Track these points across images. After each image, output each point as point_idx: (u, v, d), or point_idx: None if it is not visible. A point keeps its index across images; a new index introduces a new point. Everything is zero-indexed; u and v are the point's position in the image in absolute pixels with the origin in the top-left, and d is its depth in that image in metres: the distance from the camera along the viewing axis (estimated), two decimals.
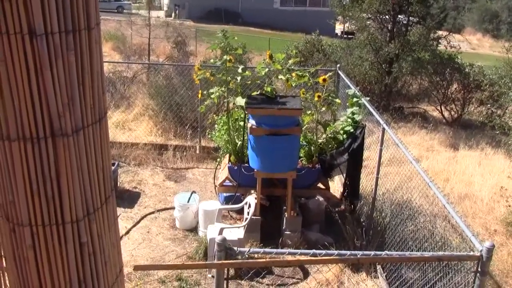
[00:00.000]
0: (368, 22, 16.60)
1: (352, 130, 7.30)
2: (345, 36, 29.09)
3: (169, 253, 6.69)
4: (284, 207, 6.88)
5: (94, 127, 2.30)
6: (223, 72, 7.14)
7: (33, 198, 2.19)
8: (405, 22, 16.43)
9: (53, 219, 2.25)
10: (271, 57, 7.18)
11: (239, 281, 6.04)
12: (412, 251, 5.51)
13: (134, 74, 14.66)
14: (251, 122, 6.55)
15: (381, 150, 6.49)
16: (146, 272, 6.10)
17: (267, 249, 3.85)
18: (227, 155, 7.51)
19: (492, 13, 50.90)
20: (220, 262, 3.26)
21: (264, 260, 3.73)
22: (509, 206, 7.98)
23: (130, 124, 11.39)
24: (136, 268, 3.26)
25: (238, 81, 7.10)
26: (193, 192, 7.50)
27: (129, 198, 8.17)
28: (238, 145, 7.29)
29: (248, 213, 6.64)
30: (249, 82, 7.93)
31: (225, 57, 7.03)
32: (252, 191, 6.95)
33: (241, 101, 6.66)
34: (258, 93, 6.97)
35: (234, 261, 3.40)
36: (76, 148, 2.21)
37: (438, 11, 17.33)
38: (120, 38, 24.07)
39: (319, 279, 6.10)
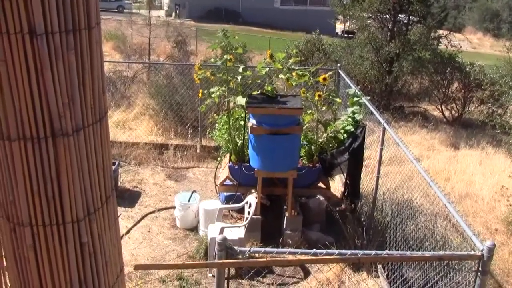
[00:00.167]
0: (368, 22, 16.60)
1: (352, 130, 7.30)
2: (345, 35, 29.09)
3: (169, 252, 6.69)
4: (285, 207, 6.87)
5: (94, 126, 2.30)
6: (223, 71, 7.14)
7: (34, 198, 2.19)
8: (405, 21, 16.43)
9: (53, 219, 2.25)
10: (271, 56, 7.17)
11: (240, 281, 6.04)
12: (413, 250, 5.50)
13: (135, 74, 14.66)
14: (252, 121, 6.54)
15: (381, 150, 6.48)
16: (147, 272, 6.10)
17: (268, 249, 3.85)
18: (228, 155, 7.50)
19: (492, 12, 50.88)
20: (220, 261, 3.26)
21: (264, 259, 3.73)
22: (510, 205, 7.98)
23: (130, 124, 11.40)
24: (137, 267, 3.26)
25: (239, 80, 7.10)
26: (194, 191, 7.50)
27: (130, 198, 8.17)
28: (238, 144, 7.29)
29: (248, 212, 6.63)
30: (250, 81, 7.92)
31: (225, 56, 7.02)
32: (253, 191, 6.95)
33: (241, 100, 6.65)
34: (258, 92, 6.96)
35: (235, 260, 3.39)
36: (77, 148, 2.21)
37: (439, 10, 17.33)
38: (120, 37, 24.07)
39: (319, 279, 6.10)
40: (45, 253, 2.29)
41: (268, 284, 6.08)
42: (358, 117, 7.38)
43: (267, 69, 7.33)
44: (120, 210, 7.57)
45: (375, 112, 6.88)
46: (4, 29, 1.98)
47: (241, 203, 6.90)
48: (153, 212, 7.74)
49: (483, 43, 44.93)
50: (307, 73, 7.11)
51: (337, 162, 7.23)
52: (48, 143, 2.14)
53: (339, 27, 38.41)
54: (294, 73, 7.09)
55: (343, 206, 7.74)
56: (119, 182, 8.41)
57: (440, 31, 17.17)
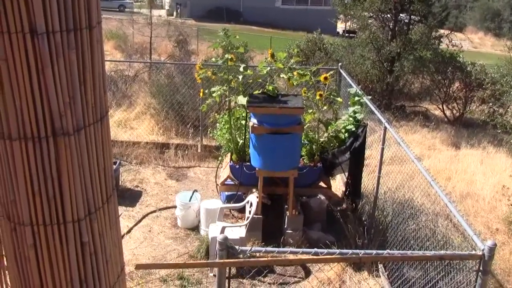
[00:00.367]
0: (369, 21, 16.59)
1: (353, 129, 7.30)
2: (346, 34, 29.03)
3: (170, 252, 6.69)
4: (286, 206, 6.87)
5: (95, 126, 2.30)
6: (224, 71, 7.14)
7: (34, 198, 2.19)
8: (406, 20, 16.41)
9: (54, 218, 2.25)
10: (272, 56, 7.17)
11: (241, 280, 6.04)
12: (414, 250, 5.50)
13: (136, 73, 14.66)
14: (253, 121, 6.55)
15: (382, 149, 6.48)
16: (148, 271, 6.10)
17: (269, 248, 3.85)
18: (229, 154, 7.50)
19: (494, 12, 50.83)
20: (221, 261, 3.26)
21: (265, 259, 3.73)
22: (511, 205, 7.97)
23: (131, 123, 11.40)
24: (138, 267, 3.26)
25: (240, 79, 7.10)
26: (195, 191, 7.50)
27: (131, 197, 8.17)
28: (239, 143, 7.29)
29: (249, 212, 6.63)
30: (251, 81, 7.91)
31: (226, 56, 7.02)
32: (254, 190, 6.95)
33: (242, 99, 6.65)
34: (259, 91, 6.96)
35: (236, 260, 3.39)
36: (78, 147, 2.21)
37: (440, 10, 17.33)
38: (121, 37, 24.07)
39: (320, 278, 6.10)
40: (45, 253, 2.29)
41: (269, 283, 6.08)
42: (359, 116, 7.38)
43: (268, 68, 7.33)
44: (121, 209, 7.57)
45: (376, 112, 6.87)
46: (5, 28, 1.98)
47: (242, 202, 6.90)
48: (154, 211, 7.74)
49: (484, 42, 44.88)
50: (308, 73, 7.11)
51: (338, 161, 7.23)
52: (49, 143, 2.14)
53: (340, 27, 38.33)
54: (295, 73, 7.09)
55: (344, 205, 7.74)
56: (120, 182, 8.41)
57: (441, 31, 17.16)
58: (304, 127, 7.08)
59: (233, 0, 43.22)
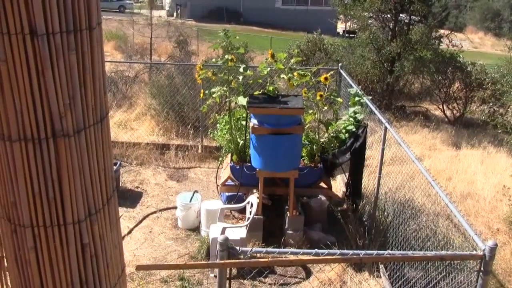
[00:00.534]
0: (369, 21, 16.58)
1: (354, 129, 7.30)
2: (346, 35, 29.07)
3: (171, 252, 6.68)
4: (286, 206, 6.87)
5: (95, 127, 2.30)
6: (225, 71, 7.13)
7: (35, 199, 2.19)
8: (406, 21, 16.40)
9: (54, 220, 2.25)
10: (273, 56, 7.17)
11: (242, 281, 6.04)
12: (414, 250, 5.50)
13: (136, 74, 14.66)
14: (253, 121, 6.54)
15: (383, 149, 6.48)
16: (149, 272, 6.10)
17: (270, 249, 3.85)
18: (229, 155, 7.50)
19: (494, 12, 50.81)
20: (222, 261, 3.25)
21: (266, 259, 3.73)
22: None
23: (132, 124, 11.40)
24: (139, 268, 3.26)
25: (240, 80, 7.10)
26: (195, 191, 7.50)
27: (131, 198, 8.17)
28: (240, 144, 7.29)
29: (250, 212, 6.63)
30: (251, 81, 7.91)
31: (226, 56, 7.02)
32: (254, 190, 6.95)
33: (243, 100, 6.65)
34: (260, 92, 6.96)
35: (237, 260, 3.39)
36: (78, 148, 2.21)
37: (440, 10, 17.31)
38: (122, 37, 24.09)
39: (321, 279, 6.10)
40: (46, 254, 2.29)
41: (270, 284, 6.08)
42: (359, 116, 7.37)
43: (269, 69, 7.32)
44: (122, 210, 7.57)
45: (376, 112, 6.87)
46: (5, 30, 1.98)
47: (243, 203, 6.90)
48: (155, 212, 7.74)
49: (484, 42, 44.87)
50: (309, 73, 7.11)
51: (339, 162, 7.23)
52: (49, 144, 2.14)
53: (340, 27, 38.39)
54: (295, 73, 7.09)
55: (344, 206, 7.74)
56: (120, 183, 8.41)
57: (441, 31, 17.15)
58: (305, 127, 7.08)
59: (233, 1, 43.24)
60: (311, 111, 7.38)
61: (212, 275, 6.11)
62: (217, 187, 8.08)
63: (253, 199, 6.71)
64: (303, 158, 7.25)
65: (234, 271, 6.10)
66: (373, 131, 8.31)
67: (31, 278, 2.33)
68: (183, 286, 5.91)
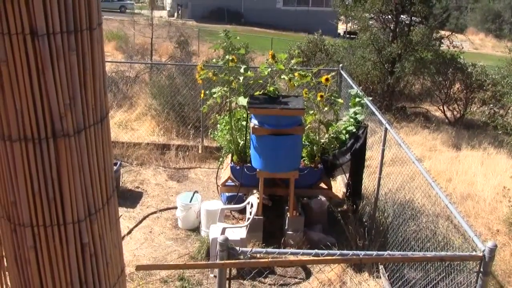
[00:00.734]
0: (370, 22, 16.59)
1: (354, 130, 7.30)
2: (347, 36, 29.06)
3: (171, 253, 6.69)
4: (286, 207, 6.87)
5: (95, 127, 2.30)
6: (225, 72, 7.14)
7: (35, 199, 2.20)
8: (407, 22, 16.41)
9: (54, 219, 2.25)
10: (273, 57, 7.17)
11: (241, 281, 6.04)
12: (414, 251, 5.50)
13: (137, 74, 14.66)
14: (254, 122, 6.55)
15: (383, 150, 6.48)
16: (148, 272, 6.11)
17: (269, 249, 3.85)
18: (230, 155, 7.50)
19: (494, 13, 50.81)
20: (222, 262, 3.25)
21: (266, 260, 3.72)
22: None
23: (132, 124, 11.40)
24: (138, 268, 3.26)
25: (241, 81, 7.10)
26: (196, 192, 7.50)
27: (132, 198, 8.18)
28: (240, 145, 7.29)
29: (250, 213, 6.63)
30: (252, 82, 7.92)
31: (227, 57, 7.03)
32: (255, 191, 6.95)
33: (243, 101, 6.65)
34: (260, 93, 6.96)
35: (236, 261, 3.39)
36: (78, 148, 2.21)
37: (441, 11, 17.30)
38: (122, 37, 24.09)
39: (321, 279, 6.10)
40: (46, 254, 2.29)
41: (269, 284, 6.08)
42: (360, 117, 7.37)
43: (269, 69, 7.33)
44: (122, 210, 7.57)
45: (377, 113, 6.87)
46: (5, 30, 1.98)
47: (243, 203, 6.90)
48: (155, 212, 7.74)
49: (485, 44, 44.87)
50: (309, 74, 7.11)
51: (339, 162, 7.23)
52: (49, 144, 2.15)
53: (341, 28, 38.39)
54: (296, 74, 7.09)
55: (345, 206, 7.74)
56: (121, 183, 8.41)
57: (442, 32, 17.14)
58: (305, 128, 7.08)
59: (234, 1, 43.25)
60: (312, 111, 7.39)
61: (212, 275, 6.11)
62: (217, 188, 8.09)
63: (253, 199, 6.72)
64: (304, 158, 7.26)
65: (234, 271, 6.10)
66: (374, 132, 8.31)
67: (31, 278, 2.34)
68: (183, 286, 5.91)
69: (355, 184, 7.44)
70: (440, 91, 16.03)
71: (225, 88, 7.19)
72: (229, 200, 7.48)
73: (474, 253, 3.54)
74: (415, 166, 5.38)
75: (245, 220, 6.89)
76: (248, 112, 6.81)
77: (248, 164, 6.97)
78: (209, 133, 9.42)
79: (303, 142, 7.06)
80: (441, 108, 16.00)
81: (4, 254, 2.50)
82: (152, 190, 8.55)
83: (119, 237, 2.66)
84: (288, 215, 6.80)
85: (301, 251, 3.54)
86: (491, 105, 14.99)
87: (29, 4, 1.96)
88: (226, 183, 7.23)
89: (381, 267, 6.21)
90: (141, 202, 8.09)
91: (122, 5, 43.38)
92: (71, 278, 2.35)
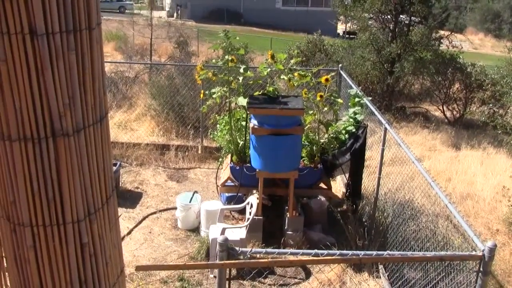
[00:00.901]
0: (370, 22, 16.59)
1: (354, 130, 7.30)
2: (347, 36, 29.08)
3: (171, 253, 6.68)
4: (286, 207, 6.87)
5: (95, 127, 2.30)
6: (225, 72, 7.14)
7: (34, 198, 2.19)
8: (407, 22, 16.41)
9: (54, 219, 2.25)
10: (273, 57, 7.17)
11: (241, 281, 6.04)
12: (414, 251, 5.50)
13: (136, 74, 14.66)
14: (253, 122, 6.54)
15: (383, 150, 6.48)
16: (148, 272, 6.10)
17: (269, 249, 3.84)
18: (229, 155, 7.50)
19: (494, 13, 50.85)
20: (222, 262, 3.25)
21: (266, 260, 3.72)
22: (511, 205, 7.97)
23: (132, 124, 11.40)
24: (138, 268, 3.26)
25: (240, 81, 7.10)
26: (195, 192, 7.50)
27: (131, 198, 8.18)
28: (240, 145, 7.29)
29: (250, 213, 6.63)
30: (251, 82, 7.92)
31: (227, 57, 7.02)
32: (254, 191, 6.95)
33: (243, 101, 6.65)
34: (260, 93, 6.96)
35: (236, 261, 3.39)
36: (77, 148, 2.21)
37: (440, 11, 17.30)
38: (122, 38, 24.09)
39: (321, 279, 6.10)
40: (45, 254, 2.29)
41: (269, 284, 6.08)
42: (359, 117, 7.37)
43: (269, 69, 7.33)
44: (122, 210, 7.57)
45: (376, 113, 6.87)
46: (4, 29, 1.98)
47: (243, 203, 6.90)
48: (155, 213, 7.74)
49: (485, 43, 44.90)
50: (309, 74, 7.11)
51: (339, 162, 7.22)
52: (49, 143, 2.14)
53: (341, 28, 38.41)
54: (295, 74, 7.09)
55: (344, 206, 7.74)
56: (120, 183, 8.41)
57: (442, 32, 17.14)
58: (305, 128, 7.08)
59: (233, 1, 43.26)
60: (311, 111, 7.39)
61: (212, 275, 6.11)
62: (217, 188, 8.08)
63: (253, 199, 6.71)
64: (303, 158, 7.25)
65: (233, 271, 6.10)
66: (373, 132, 8.31)
67: (30, 277, 2.34)
68: (182, 287, 5.91)
69: (354, 184, 7.44)
70: (439, 91, 16.03)
71: (225, 88, 7.19)
72: (229, 200, 7.47)
73: (473, 252, 3.54)
74: (415, 166, 5.38)
75: (244, 220, 6.89)
76: (248, 112, 6.81)
77: (248, 164, 6.97)
78: (208, 133, 9.42)
79: (302, 142, 7.06)
80: (441, 108, 16.00)
81: (3, 254, 2.50)
82: (152, 190, 8.54)
83: (119, 237, 2.66)
84: (288, 215, 6.80)
85: (300, 251, 3.54)
86: (491, 105, 14.99)
87: (28, 4, 1.96)
88: (226, 183, 7.23)
89: (380, 267, 6.21)
90: (140, 202, 8.09)
91: (121, 5, 43.39)
92: (70, 277, 2.35)
